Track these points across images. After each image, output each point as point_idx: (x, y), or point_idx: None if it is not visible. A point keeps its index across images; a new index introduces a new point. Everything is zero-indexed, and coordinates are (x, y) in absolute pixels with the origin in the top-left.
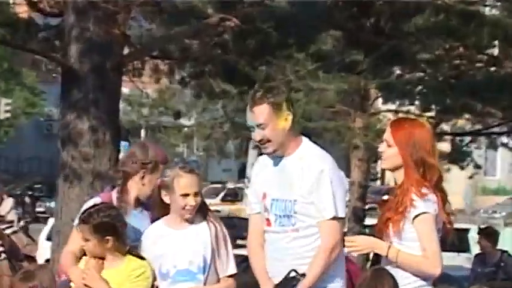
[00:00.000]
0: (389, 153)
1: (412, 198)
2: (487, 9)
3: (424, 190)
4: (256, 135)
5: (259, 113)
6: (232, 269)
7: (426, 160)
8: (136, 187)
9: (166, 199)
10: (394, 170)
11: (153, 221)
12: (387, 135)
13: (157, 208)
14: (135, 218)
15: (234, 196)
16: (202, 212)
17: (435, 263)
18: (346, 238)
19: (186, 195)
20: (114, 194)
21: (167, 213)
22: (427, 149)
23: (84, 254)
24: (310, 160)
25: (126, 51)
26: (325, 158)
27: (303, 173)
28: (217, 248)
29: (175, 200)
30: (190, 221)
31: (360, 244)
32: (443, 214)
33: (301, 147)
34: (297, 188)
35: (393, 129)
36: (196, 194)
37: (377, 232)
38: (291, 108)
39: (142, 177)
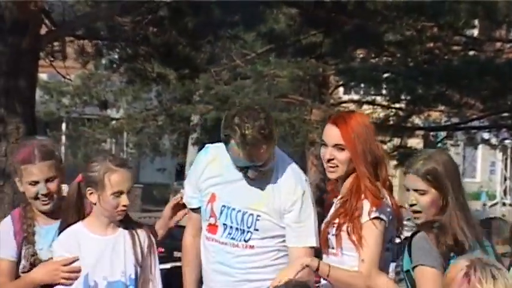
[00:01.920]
0: (342, 158)
1: (367, 202)
2: None
3: (381, 193)
4: (252, 173)
5: (260, 156)
6: (158, 283)
7: (377, 156)
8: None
9: (93, 198)
10: (345, 177)
11: (61, 227)
12: (336, 136)
13: (71, 211)
14: (52, 234)
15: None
16: (127, 214)
17: (367, 280)
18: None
19: (120, 193)
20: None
21: (82, 217)
22: (375, 143)
23: None
24: (291, 176)
25: (44, 30)
26: (302, 174)
27: (279, 189)
28: (149, 257)
29: (105, 200)
30: (116, 225)
31: (282, 276)
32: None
33: (275, 156)
34: (267, 204)
35: (341, 127)
36: (128, 192)
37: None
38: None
39: (19, 183)
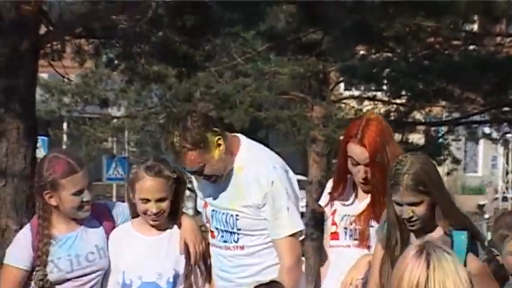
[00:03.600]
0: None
1: None
2: None
3: None
4: (197, 178)
5: (190, 162)
6: None
7: (397, 153)
8: (55, 209)
9: (132, 198)
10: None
11: None
12: (366, 158)
13: (131, 209)
14: (72, 241)
15: None
16: (176, 216)
17: None
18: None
19: (147, 200)
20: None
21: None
22: (394, 145)
23: None
24: (255, 169)
25: (43, 30)
26: (272, 162)
27: (248, 185)
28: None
29: (137, 203)
30: (163, 227)
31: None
32: None
33: (240, 153)
34: (240, 202)
35: (370, 147)
36: (160, 200)
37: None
38: (216, 127)
39: (51, 198)
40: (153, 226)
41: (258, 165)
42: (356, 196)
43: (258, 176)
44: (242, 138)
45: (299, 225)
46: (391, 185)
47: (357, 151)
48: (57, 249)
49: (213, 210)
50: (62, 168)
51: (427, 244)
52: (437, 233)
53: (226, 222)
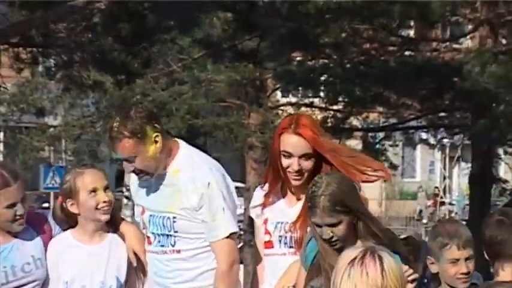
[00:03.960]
0: (309, 166)
1: None
2: None
3: None
4: (127, 167)
5: (123, 149)
6: None
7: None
8: None
9: (74, 209)
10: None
11: None
12: (304, 147)
13: (61, 224)
14: (7, 253)
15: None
16: (114, 223)
17: None
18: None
19: (94, 190)
20: None
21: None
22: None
23: None
24: (192, 172)
25: None
26: (209, 165)
27: (185, 187)
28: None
29: (83, 203)
30: (104, 232)
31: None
32: None
33: (178, 156)
34: (177, 205)
35: (307, 137)
36: (106, 189)
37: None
38: (157, 124)
39: None
40: (95, 231)
41: (194, 167)
42: (286, 201)
43: (194, 178)
44: (182, 142)
45: (234, 227)
46: (308, 207)
47: (292, 140)
48: None
49: (150, 215)
50: None
51: (371, 248)
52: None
53: (164, 225)
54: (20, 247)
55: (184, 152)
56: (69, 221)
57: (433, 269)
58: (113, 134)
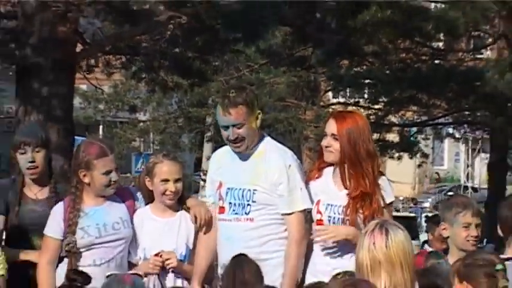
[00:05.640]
0: (337, 147)
1: (379, 191)
2: (432, 4)
3: (379, 180)
4: (231, 134)
5: (236, 114)
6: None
7: (370, 150)
8: (86, 187)
9: (149, 185)
10: (336, 163)
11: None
12: (333, 128)
13: (146, 195)
14: (100, 213)
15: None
16: (183, 201)
17: None
18: (317, 227)
19: (166, 180)
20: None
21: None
22: (368, 139)
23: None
24: (275, 155)
25: (79, 48)
26: (288, 152)
27: (269, 166)
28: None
29: (155, 186)
30: (175, 209)
31: (333, 232)
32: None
33: (263, 142)
34: (260, 179)
35: (338, 122)
36: (176, 181)
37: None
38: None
39: (85, 176)
40: (168, 207)
41: (279, 151)
42: (336, 186)
43: (278, 159)
44: (266, 134)
45: (309, 204)
46: None
47: (327, 123)
48: (86, 219)
49: (228, 188)
50: (95, 151)
51: (382, 221)
52: None
53: (243, 196)
54: (110, 209)
55: (269, 139)
56: (150, 194)
57: (445, 233)
58: (230, 100)
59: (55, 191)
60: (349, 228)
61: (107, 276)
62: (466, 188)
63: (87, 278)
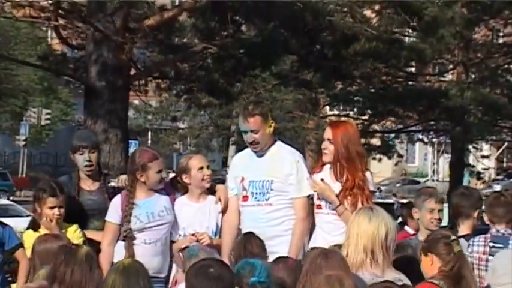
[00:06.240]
0: (331, 149)
1: (363, 182)
2: (406, 38)
3: (366, 174)
4: (249, 138)
5: (253, 122)
6: None
7: (359, 151)
8: (142, 184)
9: (186, 180)
10: (330, 162)
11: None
12: (329, 134)
13: (180, 190)
14: (149, 204)
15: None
16: (212, 188)
17: None
18: (314, 180)
19: (201, 168)
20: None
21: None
22: (358, 142)
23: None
24: (286, 153)
25: (133, 72)
26: (296, 151)
27: (282, 161)
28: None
29: (194, 176)
30: (205, 196)
31: (320, 188)
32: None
33: (276, 144)
34: (276, 172)
35: (333, 129)
36: (208, 167)
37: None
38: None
39: (141, 176)
40: (200, 195)
41: (289, 150)
42: (331, 178)
43: (288, 156)
44: (277, 139)
45: (311, 191)
46: None
47: (325, 130)
48: (138, 209)
49: (250, 181)
50: (149, 156)
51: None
52: None
53: (263, 186)
54: (158, 200)
55: (280, 142)
56: (184, 189)
57: (416, 216)
58: (249, 112)
59: (104, 183)
60: (333, 196)
61: (182, 249)
62: (433, 180)
63: None
